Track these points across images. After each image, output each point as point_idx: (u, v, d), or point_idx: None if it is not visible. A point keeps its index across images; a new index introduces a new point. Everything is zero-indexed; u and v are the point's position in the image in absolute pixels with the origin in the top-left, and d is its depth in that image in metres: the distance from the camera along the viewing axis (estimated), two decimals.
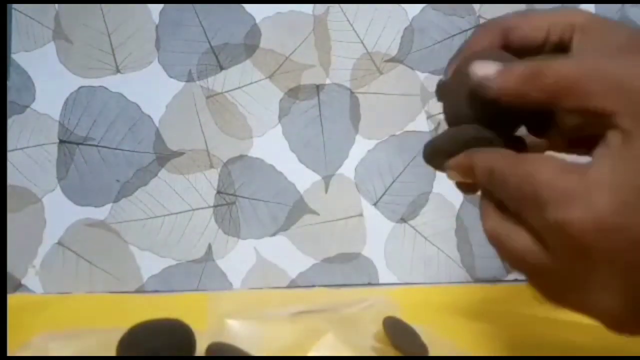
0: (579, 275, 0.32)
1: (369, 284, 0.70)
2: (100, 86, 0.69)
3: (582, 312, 0.33)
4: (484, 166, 0.37)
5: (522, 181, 0.33)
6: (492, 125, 0.39)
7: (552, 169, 0.33)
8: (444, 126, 0.73)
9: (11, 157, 0.68)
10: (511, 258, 0.35)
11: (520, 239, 0.34)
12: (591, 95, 0.32)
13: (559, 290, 0.34)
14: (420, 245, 0.70)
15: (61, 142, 0.69)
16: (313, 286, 0.68)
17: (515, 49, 0.42)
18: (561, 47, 0.42)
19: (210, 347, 0.45)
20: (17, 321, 0.53)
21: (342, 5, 0.71)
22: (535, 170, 0.33)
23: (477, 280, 0.71)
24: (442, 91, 0.43)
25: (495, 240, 0.36)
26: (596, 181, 0.31)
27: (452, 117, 0.41)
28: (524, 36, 0.42)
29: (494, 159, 0.36)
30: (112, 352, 0.43)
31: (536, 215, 0.33)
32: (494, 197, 0.36)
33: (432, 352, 0.48)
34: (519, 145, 0.41)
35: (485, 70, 0.37)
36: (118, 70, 0.70)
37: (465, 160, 0.39)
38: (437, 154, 0.41)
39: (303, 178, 0.71)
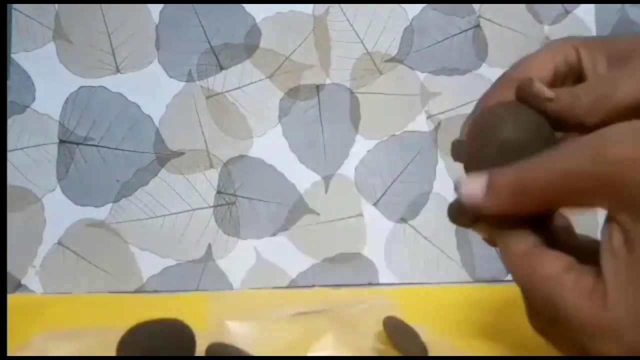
0: None
1: (369, 284, 0.70)
2: (100, 86, 0.69)
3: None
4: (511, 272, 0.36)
5: (546, 302, 0.34)
6: None
7: (573, 291, 0.33)
8: (444, 126, 0.73)
9: (11, 157, 0.68)
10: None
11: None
12: (582, 196, 0.32)
13: None
14: (420, 245, 0.70)
15: (61, 142, 0.69)
16: (313, 286, 0.68)
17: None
18: (573, 73, 0.42)
19: (210, 347, 0.45)
20: (17, 321, 0.53)
21: (342, 5, 0.71)
22: (555, 289, 0.33)
23: (477, 280, 0.71)
24: (459, 151, 0.42)
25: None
26: (617, 313, 0.31)
27: None
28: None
29: (517, 268, 0.36)
30: (112, 352, 0.43)
31: (563, 335, 0.33)
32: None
33: (432, 352, 0.48)
34: None
35: (470, 190, 0.36)
36: (118, 70, 0.70)
37: None
38: (461, 215, 0.40)
39: (303, 178, 0.71)
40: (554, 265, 0.34)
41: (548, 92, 0.38)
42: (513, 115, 0.39)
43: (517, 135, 0.37)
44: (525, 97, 0.39)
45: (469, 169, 0.40)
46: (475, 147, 0.40)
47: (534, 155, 0.35)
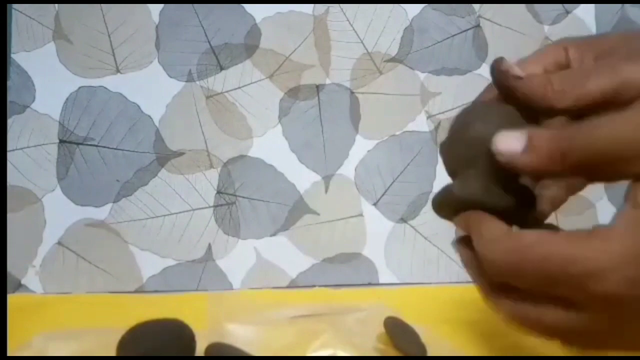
0: (616, 326, 0.33)
1: (369, 284, 0.70)
2: (100, 86, 0.69)
3: (622, 350, 0.34)
4: (489, 259, 0.36)
5: (540, 267, 0.33)
6: (497, 177, 0.38)
7: (567, 244, 0.33)
8: (444, 126, 0.73)
9: (11, 157, 0.68)
10: (546, 331, 0.36)
11: (549, 312, 0.35)
12: (622, 163, 0.33)
13: (598, 341, 0.35)
14: (420, 245, 0.70)
15: (61, 142, 0.69)
16: (313, 286, 0.68)
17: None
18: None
19: (210, 347, 0.45)
20: (17, 321, 0.53)
21: (342, 5, 0.71)
22: (550, 253, 0.33)
23: None
24: (445, 146, 0.42)
25: (521, 321, 0.36)
26: (625, 249, 0.32)
27: (452, 172, 0.41)
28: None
29: (497, 251, 0.36)
30: (112, 352, 0.43)
31: (566, 290, 0.33)
32: (493, 281, 0.37)
33: (432, 352, 0.48)
34: (527, 195, 0.41)
35: (509, 146, 0.35)
36: (118, 70, 0.70)
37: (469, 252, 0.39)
38: (444, 208, 0.40)
39: (303, 178, 0.71)
40: (536, 234, 0.34)
41: (517, 70, 0.38)
42: (484, 112, 0.39)
43: (484, 131, 0.37)
44: (496, 77, 0.39)
45: (446, 166, 0.41)
46: (449, 145, 0.40)
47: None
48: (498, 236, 0.35)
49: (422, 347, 0.48)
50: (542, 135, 0.35)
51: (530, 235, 0.34)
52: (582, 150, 0.33)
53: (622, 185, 0.76)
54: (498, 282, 0.37)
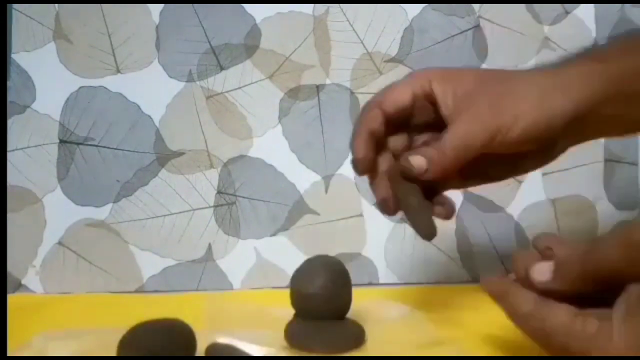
0: None
1: (369, 284, 0.70)
2: (100, 86, 0.69)
3: None
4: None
5: (560, 348, 0.40)
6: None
7: (582, 334, 0.39)
8: None
9: (11, 157, 0.68)
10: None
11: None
12: (615, 275, 0.39)
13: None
14: (420, 246, 0.70)
15: (61, 142, 0.69)
16: None
17: (394, 114, 0.50)
18: (429, 99, 0.50)
19: (210, 347, 0.45)
20: (17, 321, 0.53)
21: (342, 5, 0.71)
22: (567, 337, 0.39)
23: (477, 280, 0.70)
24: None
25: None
26: (621, 342, 0.37)
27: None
28: (396, 105, 0.50)
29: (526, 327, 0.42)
30: (112, 352, 0.43)
31: None
32: None
33: (432, 352, 0.48)
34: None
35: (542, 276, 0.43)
36: (118, 71, 0.70)
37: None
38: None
39: (303, 178, 0.71)
40: (561, 316, 0.39)
41: (415, 166, 0.48)
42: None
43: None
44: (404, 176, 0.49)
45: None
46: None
47: None
48: (529, 312, 0.41)
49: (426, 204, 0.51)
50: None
51: (555, 317, 0.40)
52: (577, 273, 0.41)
53: (623, 185, 0.76)
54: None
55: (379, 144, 0.51)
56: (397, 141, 0.52)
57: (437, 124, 0.51)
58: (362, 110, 0.53)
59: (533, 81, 0.49)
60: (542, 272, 0.42)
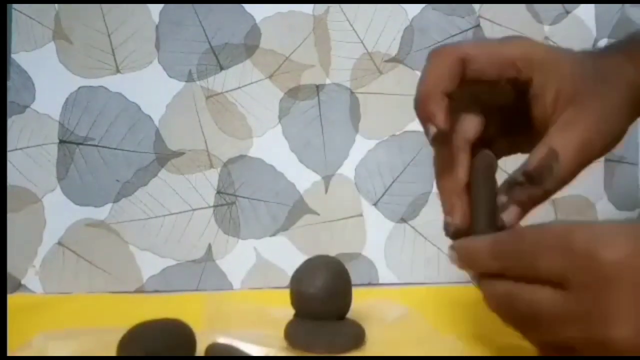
0: (602, 309, 0.34)
1: (369, 284, 0.70)
2: (100, 86, 0.69)
3: (605, 348, 0.34)
4: (488, 250, 0.40)
5: (537, 239, 0.37)
6: None
7: (564, 225, 0.36)
8: None
9: (11, 157, 0.68)
10: (530, 313, 0.38)
11: (538, 291, 0.37)
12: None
13: (582, 331, 0.35)
14: (420, 245, 0.70)
15: (61, 142, 0.69)
16: None
17: (469, 80, 0.43)
18: (517, 82, 0.44)
19: (210, 348, 0.45)
20: (17, 321, 0.53)
21: (342, 5, 0.71)
22: (549, 227, 0.37)
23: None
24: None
25: (509, 300, 0.39)
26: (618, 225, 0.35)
27: None
28: (480, 69, 0.43)
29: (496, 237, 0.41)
30: (112, 352, 0.43)
31: (558, 260, 0.36)
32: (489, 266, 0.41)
33: (432, 352, 0.48)
34: None
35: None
36: (118, 70, 0.70)
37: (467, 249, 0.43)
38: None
39: (303, 178, 0.71)
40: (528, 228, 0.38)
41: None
42: None
43: None
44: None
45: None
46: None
47: None
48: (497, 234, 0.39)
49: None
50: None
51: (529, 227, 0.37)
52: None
53: (623, 185, 0.76)
54: (493, 267, 0.40)
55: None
56: (469, 130, 0.45)
57: (510, 109, 0.45)
58: (435, 55, 0.44)
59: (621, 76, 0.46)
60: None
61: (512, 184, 0.44)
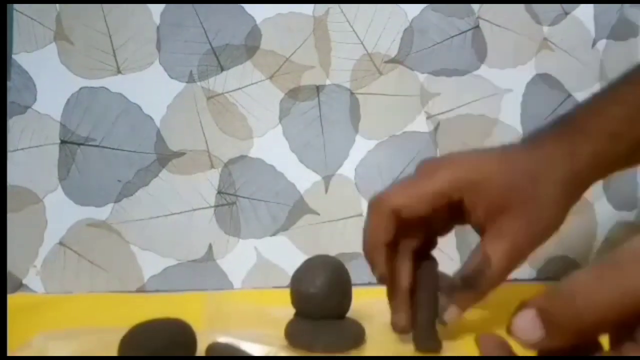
0: None
1: (369, 284, 0.70)
2: (101, 87, 0.70)
3: None
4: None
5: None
6: None
7: None
8: (443, 126, 0.73)
9: (12, 157, 0.68)
10: None
11: None
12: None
13: None
14: None
15: (62, 142, 0.69)
16: None
17: (407, 224, 0.49)
18: (452, 205, 0.50)
19: (210, 347, 0.45)
20: (18, 321, 0.53)
21: (342, 6, 0.72)
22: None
23: None
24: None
25: None
26: None
27: None
28: (414, 211, 0.49)
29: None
30: (113, 352, 0.44)
31: None
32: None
33: (431, 352, 0.48)
34: None
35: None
36: (119, 71, 0.70)
37: None
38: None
39: (303, 178, 0.71)
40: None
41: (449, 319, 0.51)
42: None
43: None
44: None
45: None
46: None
47: None
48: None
49: None
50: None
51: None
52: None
53: (622, 185, 0.76)
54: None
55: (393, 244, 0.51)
56: (412, 242, 0.52)
57: (453, 221, 0.52)
58: (371, 208, 0.51)
59: (551, 171, 0.51)
60: (526, 327, 0.31)
61: (452, 287, 0.50)
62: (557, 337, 0.30)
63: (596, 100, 0.54)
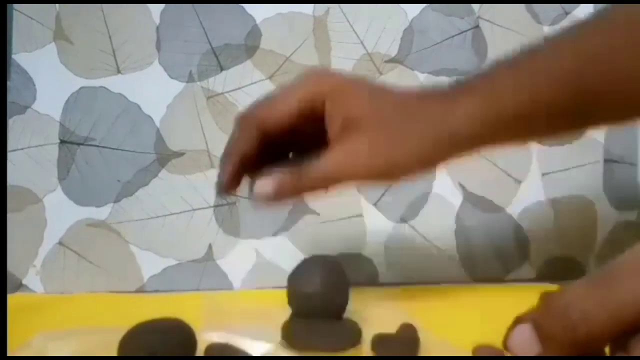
0: None
1: (369, 284, 0.70)
2: (101, 87, 0.70)
3: None
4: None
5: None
6: None
7: None
8: None
9: (12, 157, 0.68)
10: None
11: None
12: None
13: None
14: (420, 245, 0.70)
15: (62, 142, 0.69)
16: None
17: (274, 134, 0.48)
18: (315, 114, 0.48)
19: (209, 347, 0.45)
20: (18, 321, 0.53)
21: (342, 5, 0.71)
22: None
23: (477, 280, 0.71)
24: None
25: None
26: None
27: None
28: (278, 123, 0.48)
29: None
30: (112, 352, 0.43)
31: None
32: None
33: (431, 352, 0.48)
34: None
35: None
36: (119, 71, 0.70)
37: None
38: None
39: None
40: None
41: (258, 192, 0.48)
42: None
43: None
44: None
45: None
46: None
47: None
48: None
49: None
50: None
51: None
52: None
53: (623, 185, 0.76)
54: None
55: (251, 162, 0.49)
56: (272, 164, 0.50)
57: (319, 140, 0.49)
58: (237, 122, 0.50)
59: (423, 117, 0.48)
60: (522, 342, 0.31)
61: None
62: (553, 350, 0.31)
63: (503, 62, 0.50)
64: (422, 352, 0.49)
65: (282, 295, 0.52)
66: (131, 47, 0.70)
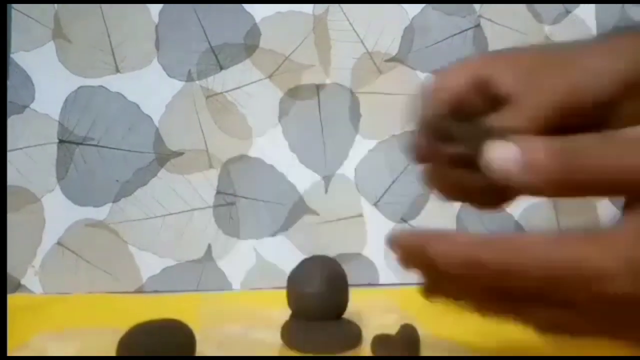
0: (610, 322, 0.32)
1: (369, 284, 0.70)
2: (99, 86, 0.69)
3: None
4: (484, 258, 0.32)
5: (545, 266, 0.31)
6: None
7: (573, 246, 0.30)
8: None
9: (11, 157, 0.68)
10: (536, 327, 0.35)
11: (543, 312, 0.33)
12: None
13: (587, 333, 0.34)
14: None
15: (61, 141, 0.69)
16: None
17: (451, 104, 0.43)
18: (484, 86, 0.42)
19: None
20: (17, 321, 0.53)
21: (342, 5, 0.71)
22: (557, 252, 0.30)
23: None
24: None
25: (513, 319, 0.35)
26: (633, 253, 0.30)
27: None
28: (450, 92, 0.43)
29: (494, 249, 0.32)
30: (112, 352, 0.43)
31: (568, 292, 0.31)
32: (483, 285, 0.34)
33: (431, 352, 0.48)
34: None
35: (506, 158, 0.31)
36: (118, 70, 0.70)
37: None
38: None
39: (303, 178, 0.71)
40: (538, 234, 0.31)
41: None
42: None
43: None
44: None
45: None
46: None
47: None
48: (491, 236, 0.32)
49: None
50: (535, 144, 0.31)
51: (532, 236, 0.32)
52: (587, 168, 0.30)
53: None
54: (489, 286, 0.34)
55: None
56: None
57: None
58: (419, 96, 0.46)
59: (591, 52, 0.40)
60: (504, 160, 0.29)
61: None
62: (537, 180, 0.29)
63: None
64: (422, 352, 0.48)
65: (282, 295, 0.51)
66: (130, 46, 0.70)
